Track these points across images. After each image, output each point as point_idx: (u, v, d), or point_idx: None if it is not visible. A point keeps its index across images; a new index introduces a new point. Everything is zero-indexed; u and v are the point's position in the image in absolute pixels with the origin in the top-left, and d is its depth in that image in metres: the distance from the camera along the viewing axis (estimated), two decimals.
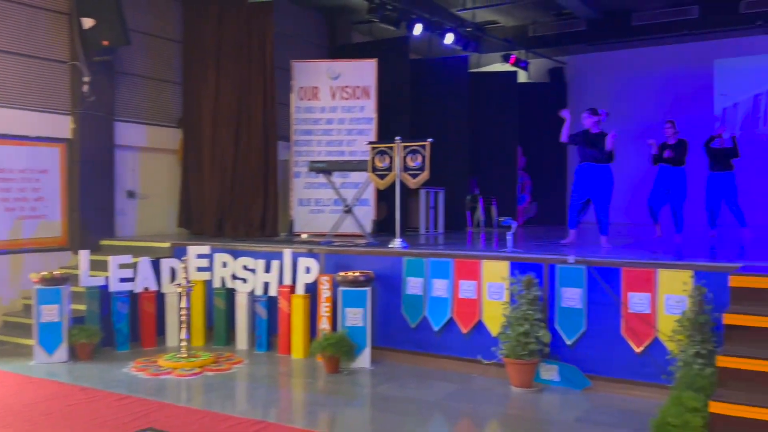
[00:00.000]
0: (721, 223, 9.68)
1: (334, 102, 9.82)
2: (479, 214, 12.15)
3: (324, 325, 6.84)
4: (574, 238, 7.85)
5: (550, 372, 6.03)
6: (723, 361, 4.54)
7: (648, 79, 13.67)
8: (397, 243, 7.39)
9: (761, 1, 11.03)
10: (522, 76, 13.42)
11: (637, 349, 5.77)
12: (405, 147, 7.52)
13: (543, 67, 14.31)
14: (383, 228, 9.58)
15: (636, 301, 5.80)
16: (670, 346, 5.55)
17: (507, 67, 13.04)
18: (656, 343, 5.70)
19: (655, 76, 13.64)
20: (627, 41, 12.93)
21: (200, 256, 7.60)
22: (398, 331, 6.89)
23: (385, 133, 9.19)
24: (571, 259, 6.13)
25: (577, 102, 13.39)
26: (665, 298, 5.70)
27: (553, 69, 14.27)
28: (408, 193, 9.87)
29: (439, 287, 6.69)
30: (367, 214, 9.54)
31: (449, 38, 11.34)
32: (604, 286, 5.93)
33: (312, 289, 7.09)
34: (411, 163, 7.47)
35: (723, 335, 4.82)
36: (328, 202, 9.57)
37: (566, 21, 12.68)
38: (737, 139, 9.27)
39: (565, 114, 7.88)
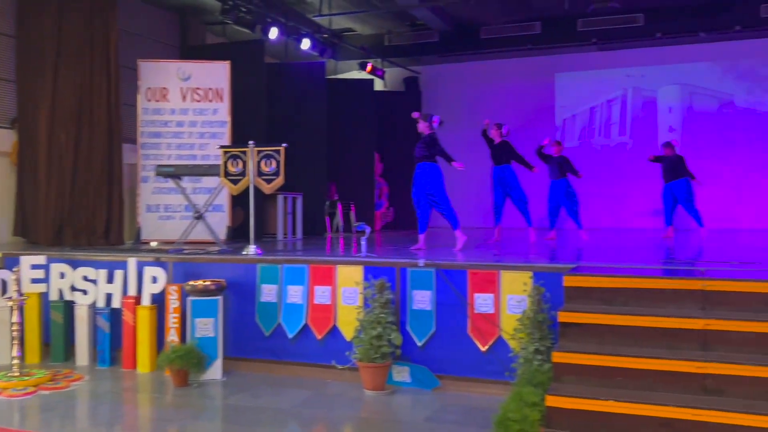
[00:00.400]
0: (560, 226, 10.33)
1: (185, 104, 9.49)
2: (338, 219, 12.21)
3: (172, 336, 6.57)
4: (423, 244, 8.01)
5: (401, 374, 6.14)
6: (558, 357, 4.82)
7: (496, 90, 14.35)
8: (251, 250, 7.25)
9: (596, 20, 11.91)
10: (378, 84, 13.66)
11: (483, 348, 6.00)
12: (259, 152, 7.40)
13: (399, 76, 14.64)
14: (239, 234, 9.36)
15: (481, 302, 6.04)
16: (512, 344, 5.82)
17: (364, 75, 13.22)
18: (500, 342, 5.96)
19: (503, 88, 14.35)
20: (477, 53, 13.50)
21: (35, 266, 7.04)
22: (252, 340, 6.75)
23: (240, 138, 8.99)
24: (421, 262, 6.28)
25: (432, 111, 13.77)
26: (508, 298, 5.97)
27: (409, 78, 14.64)
28: (265, 199, 9.74)
29: (294, 294, 6.63)
30: (221, 221, 9.29)
31: (306, 44, 11.32)
32: (451, 288, 6.13)
33: (159, 300, 6.78)
34: (265, 168, 7.36)
35: (558, 332, 5.12)
36: (178, 208, 9.22)
37: (420, 32, 13.05)
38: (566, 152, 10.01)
39: (416, 115, 8.11)
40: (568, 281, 5.29)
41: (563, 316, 5.05)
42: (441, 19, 12.14)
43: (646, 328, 4.78)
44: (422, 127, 7.90)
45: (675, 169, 10.22)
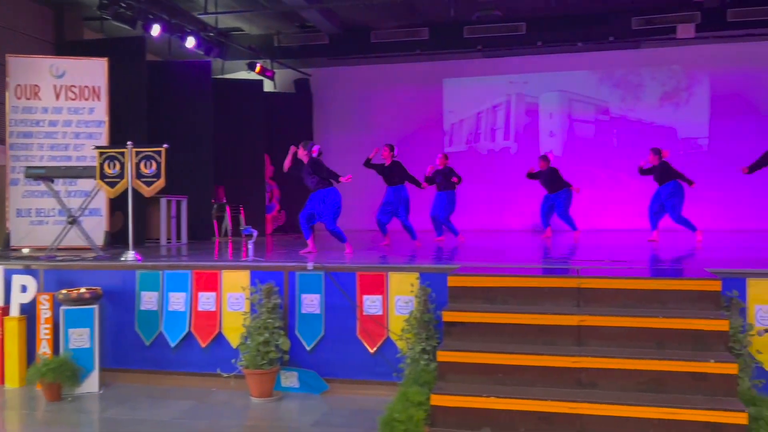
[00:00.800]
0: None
1: (59, 102, 8.95)
2: (226, 223, 11.92)
3: (44, 349, 6.18)
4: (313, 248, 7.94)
5: (290, 379, 6.06)
6: (442, 356, 4.89)
7: (387, 94, 14.48)
8: (129, 255, 6.93)
9: (481, 28, 12.26)
10: (268, 86, 13.45)
11: (371, 350, 6.02)
12: (138, 153, 7.09)
13: (289, 78, 14.49)
14: (119, 240, 8.93)
15: (369, 304, 6.06)
16: (400, 344, 5.87)
17: (253, 76, 12.98)
18: (388, 343, 6.00)
19: (393, 92, 14.50)
20: (367, 57, 13.57)
21: None
22: (132, 350, 6.46)
23: (119, 138, 8.58)
24: (310, 265, 6.22)
25: (323, 113, 13.80)
26: (396, 300, 6.03)
27: (299, 80, 14.52)
28: (148, 203, 9.36)
29: (177, 301, 6.40)
30: (99, 226, 8.83)
31: (190, 42, 10.98)
32: (341, 291, 6.10)
33: (30, 310, 6.35)
34: (145, 170, 7.06)
35: (443, 331, 5.20)
36: (51, 213, 8.68)
37: (310, 34, 12.96)
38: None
39: (293, 149, 8.00)
40: (452, 281, 5.38)
41: (447, 316, 5.14)
42: (330, 21, 12.11)
43: (525, 325, 4.94)
44: (302, 154, 7.88)
45: (553, 182, 10.70)
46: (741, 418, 4.15)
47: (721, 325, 4.66)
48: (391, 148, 9.39)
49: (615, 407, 4.34)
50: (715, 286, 4.89)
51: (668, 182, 9.46)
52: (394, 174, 9.26)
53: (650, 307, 4.88)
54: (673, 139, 13.14)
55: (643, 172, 9.74)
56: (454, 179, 9.97)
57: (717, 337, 4.63)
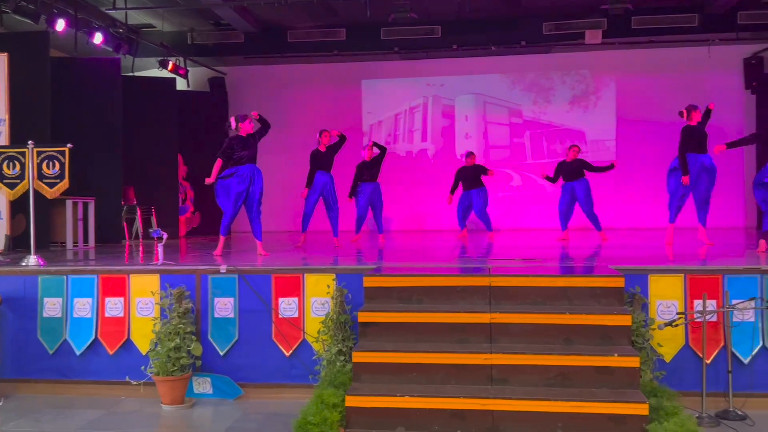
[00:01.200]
0: (366, 228, 10.60)
1: None
2: (137, 225, 11.54)
3: None
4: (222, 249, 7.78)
5: (203, 385, 5.92)
6: (357, 357, 4.90)
7: (305, 94, 14.39)
8: (31, 260, 6.60)
9: (397, 30, 12.34)
10: (181, 84, 13.11)
11: (287, 353, 5.95)
12: (39, 152, 6.76)
13: (203, 76, 14.17)
14: (22, 244, 8.49)
15: (285, 306, 5.99)
16: (316, 346, 5.83)
17: (165, 74, 12.62)
18: (304, 345, 5.95)
19: (311, 92, 14.41)
20: (284, 56, 13.44)
21: None
22: (34, 359, 6.15)
23: (21, 137, 8.14)
24: (223, 268, 6.09)
25: (238, 112, 13.42)
26: (312, 301, 5.99)
27: (214, 79, 14.22)
28: (52, 205, 8.94)
29: (82, 307, 6.15)
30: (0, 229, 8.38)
31: (98, 38, 10.58)
32: (255, 294, 6.01)
33: None
34: (47, 171, 6.74)
35: (359, 332, 5.20)
36: None
37: (225, 32, 12.71)
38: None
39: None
40: (368, 282, 5.40)
41: (363, 316, 5.14)
42: (245, 20, 11.92)
43: (438, 324, 5.00)
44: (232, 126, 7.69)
45: (475, 179, 10.84)
46: (642, 410, 4.34)
47: (624, 320, 4.86)
48: (324, 135, 9.37)
49: (525, 402, 4.46)
50: (619, 282, 5.09)
51: (581, 179, 9.81)
52: (329, 160, 9.27)
53: (558, 303, 5.04)
54: (582, 142, 13.62)
55: (552, 178, 10.06)
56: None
57: (620, 331, 4.83)
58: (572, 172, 9.86)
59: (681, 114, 8.35)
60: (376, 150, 10.03)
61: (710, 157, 8.14)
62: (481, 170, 10.87)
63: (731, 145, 7.80)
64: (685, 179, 8.02)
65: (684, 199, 8.32)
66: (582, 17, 11.87)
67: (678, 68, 13.19)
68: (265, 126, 7.76)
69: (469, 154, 11.15)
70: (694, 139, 8.10)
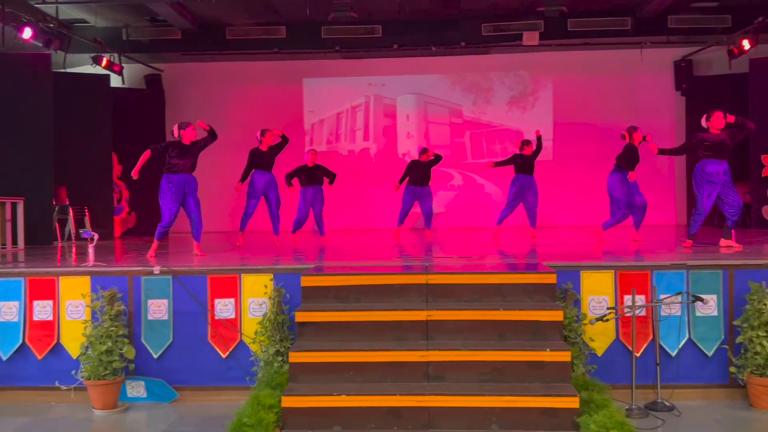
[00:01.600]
0: (306, 229, 10.55)
1: None
2: (70, 226, 11.18)
3: None
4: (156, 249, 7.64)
5: (136, 389, 5.79)
6: (294, 357, 4.87)
7: (244, 92, 14.18)
8: None
9: (338, 29, 12.31)
10: (116, 81, 12.76)
11: (224, 355, 5.88)
12: None
13: (139, 73, 13.82)
14: None
15: (222, 307, 5.91)
16: (254, 347, 5.78)
17: (99, 70, 12.27)
18: (241, 346, 5.88)
19: (251, 90, 14.21)
20: (223, 54, 13.24)
21: None
22: None
23: None
24: (156, 269, 5.97)
25: (176, 111, 13.28)
26: (249, 302, 5.92)
27: (150, 75, 13.89)
28: None
29: (9, 311, 5.95)
30: None
31: (27, 33, 10.20)
32: (190, 295, 5.90)
33: None
34: None
35: (296, 332, 5.16)
36: None
37: (162, 28, 12.43)
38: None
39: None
40: (306, 281, 5.38)
41: (300, 316, 5.12)
42: (182, 16, 11.68)
43: (376, 322, 5.02)
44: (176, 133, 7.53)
45: (426, 175, 10.82)
46: (573, 403, 4.44)
47: (556, 315, 4.96)
48: (265, 134, 9.27)
49: (460, 398, 4.51)
50: (551, 279, 5.20)
51: (531, 174, 9.98)
52: (270, 158, 9.21)
53: (492, 300, 5.12)
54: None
55: (503, 163, 10.14)
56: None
57: (552, 327, 4.93)
58: (528, 166, 9.98)
59: (623, 137, 8.53)
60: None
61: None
62: (434, 164, 10.83)
63: (662, 152, 8.04)
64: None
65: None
66: (520, 19, 12.07)
67: (612, 70, 13.54)
68: (211, 136, 7.60)
69: (424, 150, 11.05)
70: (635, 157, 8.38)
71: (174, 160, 7.31)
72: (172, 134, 7.54)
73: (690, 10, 11.74)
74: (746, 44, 11.11)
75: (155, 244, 7.58)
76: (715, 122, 7.23)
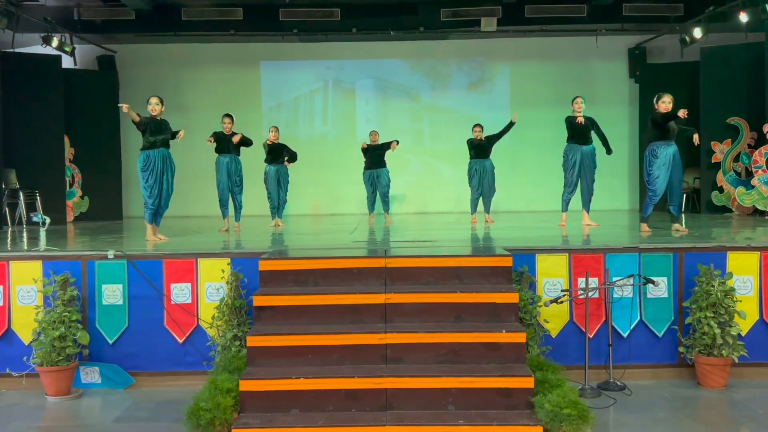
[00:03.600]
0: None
1: None
2: (21, 210, 10.88)
3: None
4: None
5: (90, 374, 5.72)
6: (252, 341, 4.85)
7: (201, 75, 13.94)
8: None
9: (296, 11, 12.18)
10: (67, 62, 12.42)
11: (180, 340, 5.84)
12: None
13: (92, 54, 13.46)
14: None
15: (178, 292, 5.86)
16: (211, 332, 5.75)
17: (50, 51, 11.91)
18: (198, 331, 5.85)
19: (208, 72, 13.98)
20: (178, 35, 12.98)
21: None
22: None
23: None
24: (110, 253, 5.87)
25: (130, 93, 12.99)
26: (206, 287, 5.89)
27: (103, 57, 13.53)
28: None
29: None
30: None
31: None
32: (146, 280, 5.83)
33: None
34: None
35: (254, 316, 5.15)
36: None
37: (115, 8, 12.11)
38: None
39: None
40: (263, 266, 5.35)
41: (258, 300, 5.10)
42: None
43: (334, 305, 5.03)
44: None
45: (381, 158, 10.83)
46: (528, 383, 4.53)
47: (512, 297, 5.05)
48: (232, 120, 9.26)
49: (417, 380, 4.56)
50: (507, 262, 5.28)
51: (488, 158, 10.07)
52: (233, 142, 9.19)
53: (450, 283, 5.17)
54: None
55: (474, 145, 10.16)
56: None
57: (508, 309, 5.01)
58: (483, 150, 10.05)
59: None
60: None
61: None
62: (386, 147, 10.82)
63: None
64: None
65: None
66: (478, 5, 12.11)
67: (568, 56, 13.70)
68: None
69: (372, 132, 11.02)
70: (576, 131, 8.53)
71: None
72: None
73: None
74: (698, 33, 11.35)
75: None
76: (661, 106, 7.30)
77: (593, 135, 8.66)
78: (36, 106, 11.13)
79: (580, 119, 8.49)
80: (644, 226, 7.54)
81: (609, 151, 8.65)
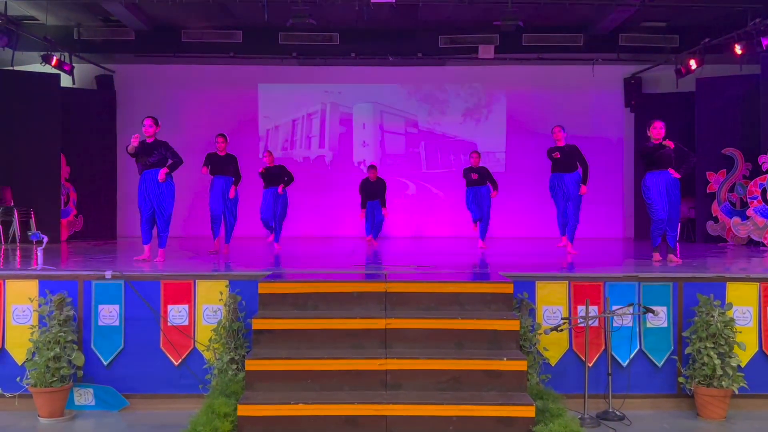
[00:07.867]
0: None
1: None
2: (14, 228, 10.81)
3: None
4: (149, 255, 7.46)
5: (84, 396, 5.64)
6: (251, 365, 4.80)
7: (199, 96, 13.98)
8: None
9: (296, 35, 12.25)
10: (66, 81, 12.43)
11: (176, 362, 5.77)
12: None
13: (90, 73, 13.49)
14: None
15: (175, 314, 5.81)
16: (207, 355, 5.69)
17: (49, 69, 11.93)
18: (195, 354, 5.79)
19: (206, 94, 14.02)
20: (178, 56, 13.02)
21: None
22: None
23: None
24: (108, 274, 5.82)
25: (128, 113, 13.01)
26: (203, 309, 5.83)
27: (102, 76, 13.56)
28: None
29: None
30: None
31: None
32: (143, 301, 5.78)
33: None
34: None
35: (252, 340, 5.10)
36: None
37: (115, 28, 12.17)
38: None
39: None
40: (263, 288, 5.32)
41: (257, 324, 5.06)
42: (136, 17, 11.46)
43: (334, 330, 4.99)
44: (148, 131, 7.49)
45: (375, 192, 11.14)
46: (529, 412, 4.49)
47: (513, 325, 5.02)
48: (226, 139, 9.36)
49: (417, 407, 4.52)
50: (508, 288, 5.26)
51: (487, 185, 10.15)
52: (228, 163, 9.26)
53: (450, 309, 5.15)
54: None
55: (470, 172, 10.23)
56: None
57: (509, 336, 4.98)
58: (479, 178, 10.15)
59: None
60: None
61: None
62: (382, 187, 11.23)
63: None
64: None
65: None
66: (476, 32, 12.22)
67: (564, 85, 13.82)
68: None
69: (371, 167, 11.37)
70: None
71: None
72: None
73: (640, 29, 12.08)
74: (693, 64, 11.49)
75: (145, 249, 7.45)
76: (653, 132, 7.37)
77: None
78: (33, 124, 11.11)
79: (556, 153, 8.57)
80: (656, 255, 7.54)
81: (584, 180, 8.58)
